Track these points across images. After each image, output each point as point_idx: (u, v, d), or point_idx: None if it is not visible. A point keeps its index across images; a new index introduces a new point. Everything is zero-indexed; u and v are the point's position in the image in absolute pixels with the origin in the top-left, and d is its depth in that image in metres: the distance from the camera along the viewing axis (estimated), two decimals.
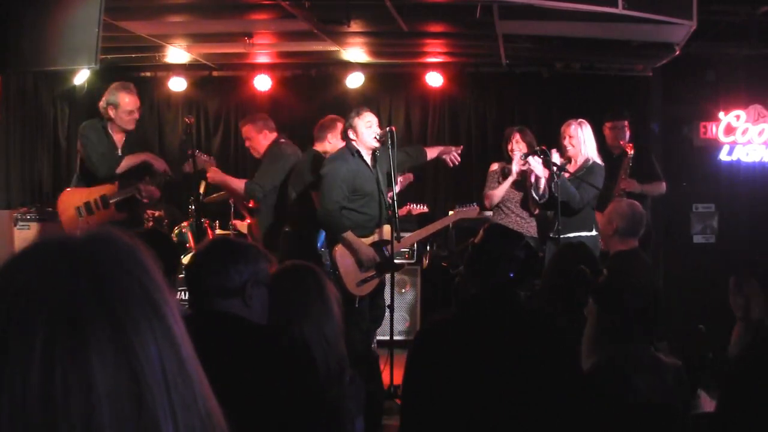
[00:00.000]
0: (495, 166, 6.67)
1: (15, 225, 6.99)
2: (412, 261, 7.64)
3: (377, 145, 5.68)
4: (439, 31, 7.27)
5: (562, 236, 5.94)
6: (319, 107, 8.73)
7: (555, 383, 2.80)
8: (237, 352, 2.50)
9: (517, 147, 6.44)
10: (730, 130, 8.09)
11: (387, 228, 5.76)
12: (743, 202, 8.05)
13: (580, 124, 6.29)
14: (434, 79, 8.55)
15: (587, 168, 6.21)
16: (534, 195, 6.29)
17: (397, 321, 7.31)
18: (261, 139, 6.64)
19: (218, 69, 8.78)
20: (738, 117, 8.06)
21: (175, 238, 7.13)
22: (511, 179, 6.45)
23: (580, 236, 5.96)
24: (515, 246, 2.94)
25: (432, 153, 6.51)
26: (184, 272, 2.71)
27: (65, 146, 8.44)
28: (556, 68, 8.25)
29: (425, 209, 7.75)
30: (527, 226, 6.42)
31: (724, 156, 8.15)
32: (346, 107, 8.26)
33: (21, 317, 0.93)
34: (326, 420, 2.64)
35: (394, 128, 5.79)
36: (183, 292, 7.10)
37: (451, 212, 6.57)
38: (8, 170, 7.55)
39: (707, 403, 3.63)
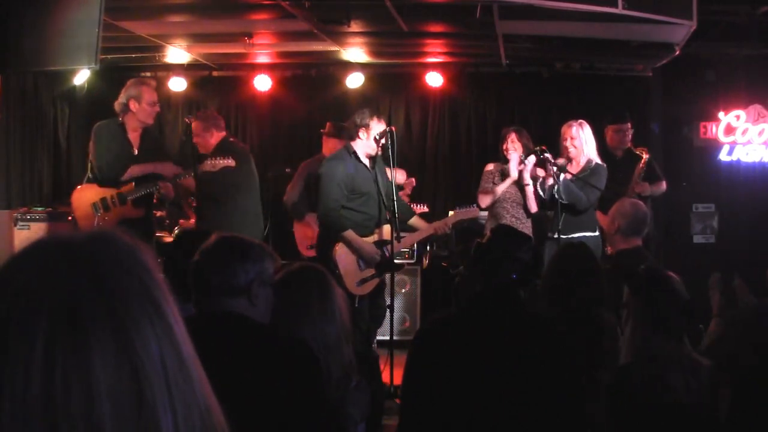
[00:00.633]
0: (490, 167, 6.66)
1: (15, 225, 6.98)
2: (412, 261, 7.64)
3: (378, 153, 5.73)
4: (439, 31, 7.27)
5: (563, 236, 5.94)
6: (319, 107, 8.76)
7: (554, 384, 2.80)
8: (240, 352, 2.50)
9: (512, 147, 6.44)
10: (730, 130, 8.09)
11: (387, 228, 5.77)
12: (743, 202, 8.05)
13: (580, 125, 6.27)
14: (434, 79, 8.55)
15: (590, 169, 6.20)
16: (540, 193, 6.27)
17: (397, 321, 7.31)
18: (208, 137, 6.60)
19: (218, 69, 8.79)
20: (738, 117, 8.07)
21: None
22: (509, 181, 6.44)
23: (582, 236, 5.96)
24: (520, 247, 2.94)
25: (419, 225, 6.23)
26: (188, 272, 2.70)
27: (65, 146, 8.45)
28: (556, 68, 8.25)
29: (425, 209, 7.75)
30: (522, 226, 6.41)
31: (724, 156, 8.15)
32: (346, 107, 8.30)
33: (22, 316, 0.93)
34: (327, 423, 2.63)
35: (394, 128, 5.79)
36: None
37: (451, 212, 6.56)
38: (8, 170, 7.54)
39: None
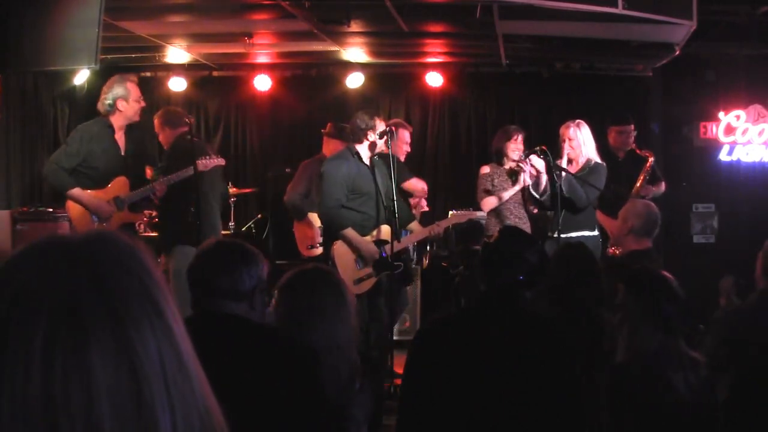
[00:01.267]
0: (486, 170, 6.64)
1: (15, 225, 6.98)
2: (412, 261, 7.64)
3: (374, 153, 5.78)
4: (439, 31, 7.27)
5: (563, 236, 5.94)
6: (319, 107, 8.76)
7: (554, 384, 2.80)
8: (241, 352, 2.51)
9: (517, 147, 6.44)
10: (730, 130, 8.10)
11: (386, 228, 5.79)
12: (743, 202, 8.05)
13: (578, 125, 6.26)
14: (434, 79, 8.55)
15: (590, 168, 6.19)
16: (533, 193, 6.27)
17: (397, 321, 7.30)
18: (162, 135, 6.54)
19: (218, 69, 8.78)
20: (738, 117, 8.07)
21: None
22: (518, 187, 6.41)
23: (581, 236, 5.96)
24: (528, 249, 2.94)
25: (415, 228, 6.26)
26: (188, 274, 2.70)
27: None
28: (556, 68, 8.25)
29: (425, 207, 7.74)
30: (524, 226, 6.42)
31: (724, 156, 8.15)
32: (346, 107, 8.30)
33: (21, 316, 0.94)
34: (327, 423, 2.63)
35: (394, 128, 5.82)
36: None
37: (451, 213, 6.55)
38: (8, 170, 7.54)
39: None
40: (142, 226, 6.74)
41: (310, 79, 8.80)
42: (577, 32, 6.76)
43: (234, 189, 7.79)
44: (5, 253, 6.65)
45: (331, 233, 5.79)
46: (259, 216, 8.20)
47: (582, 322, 3.68)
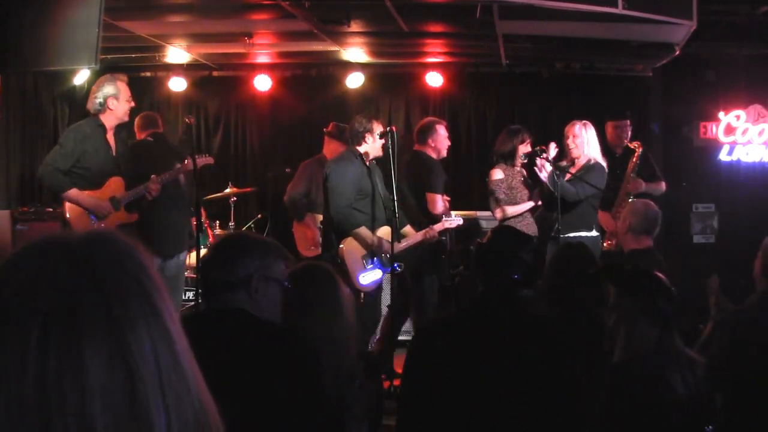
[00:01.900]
0: (500, 174, 6.46)
1: (15, 225, 6.97)
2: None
3: (381, 155, 5.84)
4: (439, 31, 7.27)
5: (562, 236, 5.94)
6: (319, 107, 8.76)
7: (554, 384, 2.80)
8: (237, 346, 2.50)
9: (525, 150, 6.39)
10: (730, 130, 8.09)
11: (387, 229, 5.80)
12: (743, 202, 8.05)
13: (584, 125, 6.27)
14: (434, 79, 8.55)
15: (587, 167, 6.20)
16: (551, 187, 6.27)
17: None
18: (138, 138, 6.71)
19: (218, 69, 8.79)
20: (738, 117, 8.07)
21: None
22: (531, 204, 6.37)
23: (579, 236, 5.96)
24: (522, 248, 2.94)
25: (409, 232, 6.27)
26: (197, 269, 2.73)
27: None
28: (556, 68, 8.25)
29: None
30: (527, 226, 6.41)
31: (724, 156, 8.15)
32: (346, 107, 8.31)
33: (18, 314, 0.94)
34: (327, 419, 2.63)
35: (394, 128, 5.84)
36: (185, 292, 7.15)
37: (444, 219, 6.46)
38: (8, 170, 7.54)
39: None
40: None
41: (310, 79, 8.80)
42: (577, 32, 6.76)
43: (234, 189, 7.79)
44: (5, 253, 6.68)
45: (344, 232, 5.81)
46: (259, 216, 8.20)
47: (582, 322, 3.68)
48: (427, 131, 6.58)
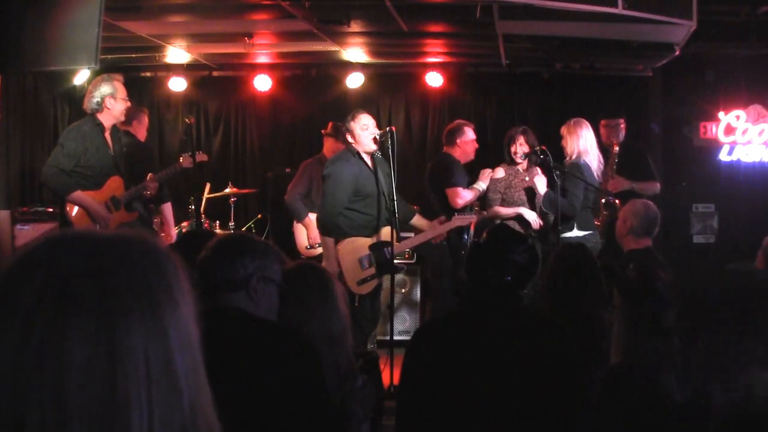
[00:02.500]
0: (501, 173, 6.52)
1: (15, 225, 6.97)
2: (413, 261, 7.65)
3: (375, 148, 5.75)
4: (439, 31, 7.27)
5: (561, 236, 5.95)
6: (319, 107, 8.76)
7: (553, 385, 2.79)
8: (238, 346, 2.50)
9: (521, 149, 6.41)
10: (730, 130, 8.09)
11: (387, 229, 5.78)
12: (743, 202, 8.05)
13: (575, 123, 6.34)
14: (434, 79, 8.55)
15: (570, 166, 6.26)
16: (546, 210, 6.31)
17: (397, 321, 7.31)
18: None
19: (218, 69, 8.78)
20: (738, 117, 8.07)
21: None
22: (518, 210, 6.39)
23: (579, 236, 5.97)
24: (515, 249, 2.93)
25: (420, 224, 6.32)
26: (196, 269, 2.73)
27: None
28: (556, 68, 8.25)
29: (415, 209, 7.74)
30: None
31: (724, 156, 8.15)
32: (346, 107, 8.30)
33: (15, 283, 0.98)
34: (328, 417, 2.63)
35: (394, 128, 5.82)
36: None
37: (455, 216, 6.50)
38: (8, 170, 7.54)
39: None
40: None
41: (310, 79, 8.80)
42: (577, 32, 6.76)
43: (234, 189, 7.79)
44: (5, 253, 6.65)
45: (324, 234, 5.81)
46: (259, 216, 8.20)
47: (581, 322, 3.68)
48: (455, 133, 6.74)
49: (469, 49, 7.94)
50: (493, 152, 7.61)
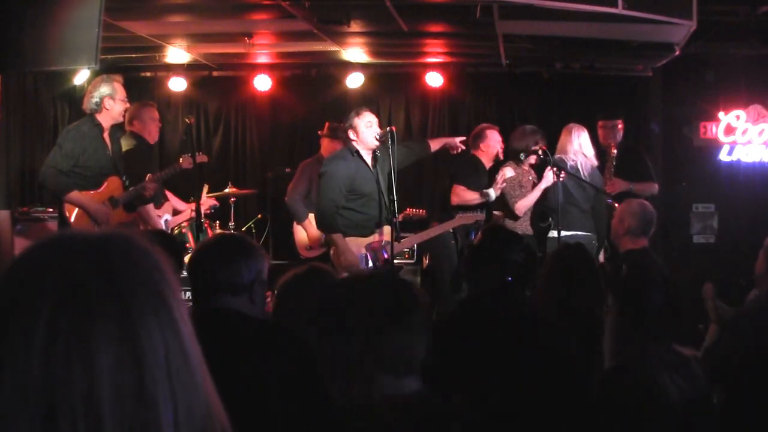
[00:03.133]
0: (510, 172, 6.52)
1: (15, 225, 6.97)
2: (412, 261, 7.64)
3: (377, 144, 5.71)
4: (439, 31, 7.27)
5: (562, 235, 5.96)
6: (319, 107, 8.75)
7: (552, 385, 2.79)
8: (243, 348, 2.50)
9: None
10: (730, 130, 8.09)
11: (387, 229, 5.78)
12: (743, 202, 8.04)
13: (569, 127, 6.41)
14: (434, 79, 8.55)
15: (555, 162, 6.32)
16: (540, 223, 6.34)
17: None
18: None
19: (218, 69, 8.78)
20: (738, 117, 8.06)
21: None
22: (544, 185, 6.35)
23: (576, 235, 5.97)
24: (512, 249, 2.94)
25: (435, 145, 6.51)
26: (188, 269, 2.71)
27: None
28: (556, 68, 8.25)
29: (423, 213, 7.73)
30: (524, 224, 6.43)
31: (724, 156, 8.15)
32: (346, 107, 8.29)
33: (27, 296, 0.96)
34: (331, 419, 2.62)
35: (394, 128, 5.82)
36: (185, 292, 7.14)
37: (458, 215, 6.50)
38: (8, 170, 7.53)
39: None
40: None
41: (310, 79, 8.79)
42: (577, 32, 6.76)
43: (234, 189, 7.79)
44: (5, 253, 6.63)
45: (324, 230, 5.81)
46: (259, 216, 8.20)
47: (580, 322, 3.68)
48: (477, 138, 6.81)
49: (469, 49, 7.94)
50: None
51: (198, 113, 8.92)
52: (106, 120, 5.98)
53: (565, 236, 5.96)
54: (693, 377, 3.00)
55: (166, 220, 6.40)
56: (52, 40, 4.69)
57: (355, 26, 6.42)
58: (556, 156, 6.29)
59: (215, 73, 8.83)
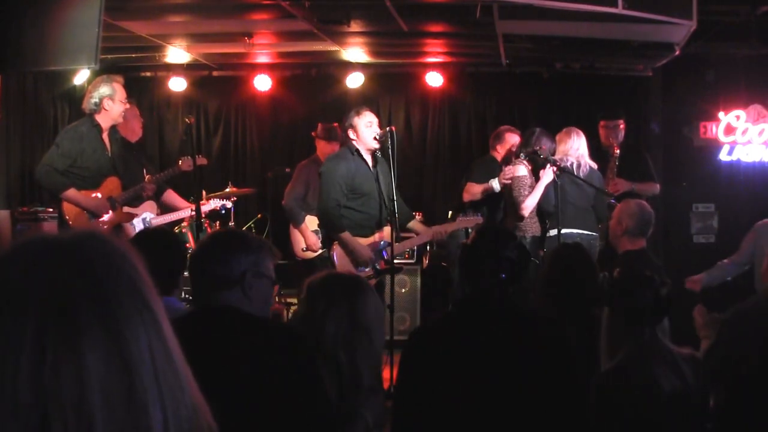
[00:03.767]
0: (523, 171, 6.40)
1: (15, 225, 6.97)
2: (412, 261, 7.65)
3: (377, 146, 5.71)
4: (439, 31, 7.27)
5: (562, 234, 5.96)
6: (319, 107, 8.76)
7: (551, 385, 2.79)
8: (234, 345, 2.49)
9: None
10: (730, 130, 8.09)
11: (387, 229, 5.78)
12: (743, 202, 8.04)
13: (566, 131, 6.40)
14: (434, 79, 8.55)
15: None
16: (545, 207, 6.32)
17: (397, 321, 7.31)
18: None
19: (218, 69, 8.79)
20: (738, 117, 8.06)
21: None
22: (545, 182, 6.28)
23: (575, 234, 5.97)
24: (506, 246, 2.94)
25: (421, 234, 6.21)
26: (188, 266, 2.70)
27: None
28: (556, 68, 8.25)
29: (419, 217, 7.73)
30: (534, 225, 6.41)
31: (724, 156, 8.14)
32: (346, 107, 8.26)
33: (12, 307, 0.95)
34: (327, 417, 2.61)
35: (394, 128, 5.82)
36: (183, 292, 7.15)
37: (459, 218, 6.47)
38: (8, 170, 7.54)
39: None
40: None
41: (310, 79, 8.80)
42: (577, 32, 6.76)
43: (234, 189, 7.79)
44: None
45: (328, 233, 5.79)
46: (259, 216, 8.20)
47: (578, 321, 3.68)
48: (495, 140, 6.95)
49: (469, 49, 7.94)
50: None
51: (198, 113, 8.92)
52: (105, 120, 5.98)
53: (565, 234, 5.95)
54: (689, 376, 3.01)
55: (144, 219, 6.33)
56: (52, 40, 4.69)
57: (355, 26, 6.42)
58: (553, 157, 6.28)
59: (215, 73, 8.84)
